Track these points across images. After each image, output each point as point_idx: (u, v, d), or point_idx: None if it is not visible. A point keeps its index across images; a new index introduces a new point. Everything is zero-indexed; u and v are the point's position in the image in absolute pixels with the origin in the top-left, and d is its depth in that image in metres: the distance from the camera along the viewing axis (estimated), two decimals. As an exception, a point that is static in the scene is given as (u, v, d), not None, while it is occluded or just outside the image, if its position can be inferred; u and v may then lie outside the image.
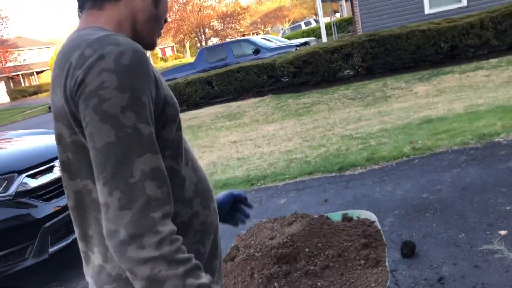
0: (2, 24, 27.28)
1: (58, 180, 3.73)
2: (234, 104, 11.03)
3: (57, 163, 3.79)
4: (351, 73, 10.65)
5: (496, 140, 4.41)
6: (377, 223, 1.88)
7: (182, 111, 12.03)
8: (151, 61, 0.84)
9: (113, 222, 0.83)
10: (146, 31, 1.05)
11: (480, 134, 4.56)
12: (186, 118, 10.74)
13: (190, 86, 12.02)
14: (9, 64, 31.18)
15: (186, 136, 8.75)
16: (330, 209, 3.71)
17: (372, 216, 1.95)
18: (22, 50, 38.99)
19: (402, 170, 4.24)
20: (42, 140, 4.42)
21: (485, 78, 7.97)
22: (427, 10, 11.92)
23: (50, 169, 3.80)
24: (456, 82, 8.17)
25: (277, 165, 5.33)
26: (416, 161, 4.40)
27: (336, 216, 2.01)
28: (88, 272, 1.02)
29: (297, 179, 4.71)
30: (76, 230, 1.02)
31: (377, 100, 8.14)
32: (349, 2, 23.65)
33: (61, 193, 3.69)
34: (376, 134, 5.76)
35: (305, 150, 5.74)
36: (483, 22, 9.51)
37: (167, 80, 14.01)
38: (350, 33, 22.46)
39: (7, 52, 29.43)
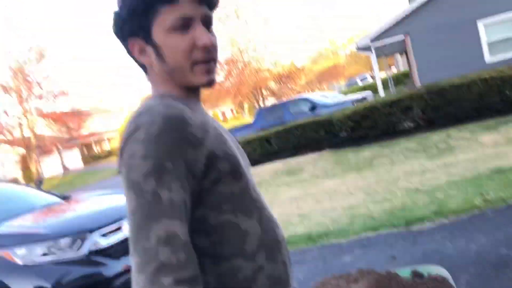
0: (78, 96, 29.69)
1: (127, 239, 3.86)
2: (292, 160, 11.08)
3: (125, 222, 3.94)
4: (412, 125, 10.45)
5: None
6: (451, 281, 1.77)
7: (242, 169, 12.21)
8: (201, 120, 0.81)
9: (135, 284, 0.87)
10: (180, 80, 1.07)
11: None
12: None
13: (249, 144, 12.27)
14: (83, 132, 33.52)
15: (247, 194, 8.83)
16: (398, 266, 3.55)
17: (444, 273, 1.84)
18: (95, 118, 41.90)
19: (474, 224, 4.01)
20: (112, 201, 4.64)
21: (558, 124, 7.54)
22: (488, 58, 11.65)
23: (119, 228, 3.96)
24: (526, 130, 7.78)
25: (339, 221, 5.21)
26: (490, 214, 4.16)
27: (405, 272, 1.92)
28: None
29: (362, 235, 4.57)
30: None
31: (441, 152, 7.88)
32: (404, 56, 23.64)
33: (130, 251, 3.80)
34: (443, 186, 5.53)
35: (369, 205, 5.60)
36: (550, 67, 9.14)
37: (227, 140, 14.39)
38: (407, 86, 22.25)
39: (82, 121, 31.77)
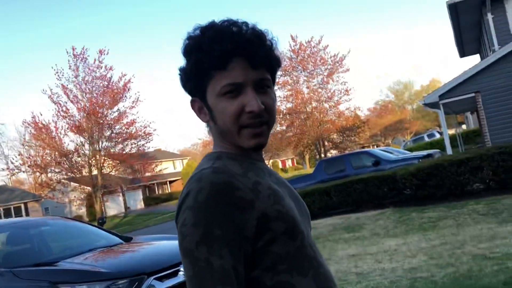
0: (145, 139, 30.92)
1: (182, 284, 3.91)
2: (352, 216, 10.79)
3: (181, 267, 4.01)
4: (481, 187, 9.91)
5: None
6: None
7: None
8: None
9: None
10: (232, 140, 1.09)
11: None
12: (304, 229, 10.73)
13: (308, 196, 12.13)
14: (147, 174, 34.77)
15: (303, 247, 8.66)
16: None
17: None
18: (159, 161, 43.52)
19: (550, 300, 3.67)
20: (170, 245, 4.75)
21: None
22: None
23: (175, 273, 4.02)
24: None
25: (399, 284, 4.96)
26: None
27: None
28: None
29: (423, 301, 4.31)
30: None
31: (514, 217, 7.37)
32: (475, 114, 22.78)
33: (184, 297, 3.83)
34: (515, 255, 5.14)
35: (431, 269, 5.29)
36: None
37: (286, 191, 14.34)
38: (478, 145, 21.29)
39: (147, 164, 33.01)
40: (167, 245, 4.82)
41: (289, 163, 71.70)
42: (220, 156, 1.09)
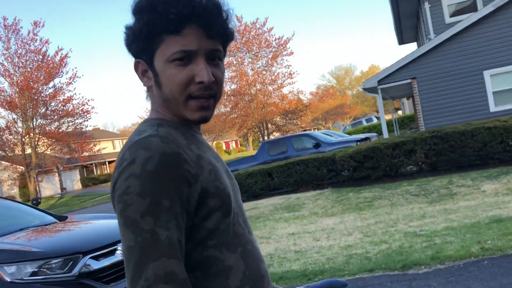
0: (83, 117, 29.66)
1: (120, 263, 3.82)
2: (293, 196, 11.02)
3: (119, 246, 3.92)
4: (414, 169, 10.44)
5: None
6: None
7: (242, 201, 12.15)
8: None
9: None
10: (175, 110, 1.05)
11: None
12: (246, 208, 10.83)
13: (251, 177, 12.25)
14: (84, 154, 33.50)
15: (244, 226, 8.76)
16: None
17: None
18: (98, 141, 42.10)
19: (470, 271, 3.96)
20: (107, 224, 4.62)
21: (560, 177, 7.52)
22: (492, 108, 11.74)
23: (113, 252, 3.93)
24: (528, 180, 7.76)
25: (336, 260, 5.15)
26: (486, 262, 4.10)
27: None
28: None
29: (357, 276, 4.50)
30: None
31: (442, 197, 7.84)
32: (411, 100, 23.86)
33: (121, 276, 3.76)
34: (441, 232, 5.48)
35: (366, 246, 5.53)
36: (554, 120, 9.19)
37: (228, 171, 14.39)
38: (412, 130, 22.36)
39: (84, 143, 31.78)
40: (104, 224, 4.69)
41: (232, 145, 71.93)
42: (162, 124, 1.04)
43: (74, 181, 43.76)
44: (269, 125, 37.15)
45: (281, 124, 36.63)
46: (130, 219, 0.90)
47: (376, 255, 5.05)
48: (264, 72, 35.41)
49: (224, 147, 68.60)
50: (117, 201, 0.94)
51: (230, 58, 35.20)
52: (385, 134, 13.67)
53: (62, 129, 29.35)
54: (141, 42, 1.02)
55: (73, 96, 28.99)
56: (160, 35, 0.99)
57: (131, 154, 0.94)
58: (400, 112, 40.68)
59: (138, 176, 0.91)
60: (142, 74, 1.07)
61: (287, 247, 6.31)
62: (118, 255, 3.93)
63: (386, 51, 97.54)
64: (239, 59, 35.19)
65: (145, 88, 1.11)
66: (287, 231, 7.44)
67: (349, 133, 25.39)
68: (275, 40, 34.50)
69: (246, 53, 35.03)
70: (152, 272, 0.87)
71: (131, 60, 1.10)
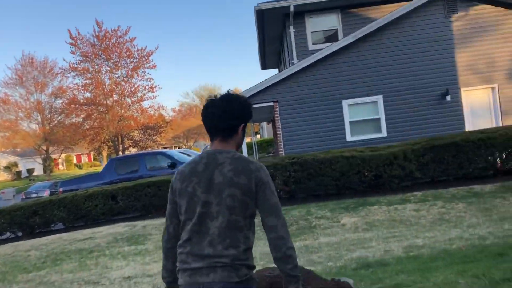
0: None
1: None
2: (139, 224, 9.54)
3: None
4: (273, 196, 9.79)
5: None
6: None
7: (78, 228, 10.27)
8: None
9: (285, 229, 1.93)
10: (239, 148, 2.11)
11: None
12: (80, 238, 9.02)
13: (91, 199, 10.45)
14: None
15: (70, 264, 7.04)
16: None
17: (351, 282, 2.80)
18: None
19: None
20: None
21: (415, 213, 7.41)
22: (349, 137, 11.83)
23: None
24: (385, 215, 7.53)
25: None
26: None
27: None
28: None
29: None
30: (222, 243, 1.89)
31: (302, 231, 7.19)
32: (270, 124, 24.03)
33: None
34: (304, 279, 4.64)
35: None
36: (406, 154, 9.35)
37: (67, 191, 12.31)
38: (270, 154, 22.41)
39: None
40: None
41: (85, 158, 66.65)
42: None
43: None
44: (126, 140, 34.72)
45: (139, 140, 34.48)
46: (274, 192, 1.97)
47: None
48: (123, 83, 33.13)
49: (75, 161, 63.06)
50: (266, 184, 1.95)
51: (86, 64, 32.28)
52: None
53: None
54: (245, 122, 2.08)
55: None
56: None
57: (258, 165, 2.01)
58: (258, 136, 41.51)
59: (267, 175, 2.00)
60: (241, 131, 2.08)
61: (117, 298, 4.90)
62: None
63: (250, 75, 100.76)
64: (96, 66, 32.38)
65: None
66: (123, 273, 6.01)
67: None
68: (137, 51, 32.62)
69: (104, 61, 32.39)
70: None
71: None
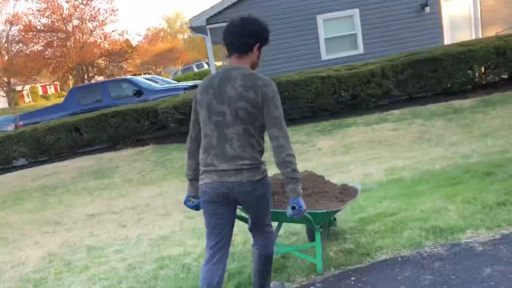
0: None
1: None
2: (106, 156, 9.06)
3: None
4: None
5: (463, 241, 2.89)
6: (359, 192, 3.08)
7: (41, 163, 9.71)
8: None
9: (286, 139, 2.16)
10: (255, 67, 2.30)
11: (434, 228, 3.08)
12: (43, 173, 8.51)
13: (52, 133, 9.80)
14: None
15: (31, 203, 6.59)
16: None
17: (359, 187, 3.13)
18: None
19: None
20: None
21: (393, 132, 7.11)
22: (324, 56, 11.24)
23: None
24: (363, 136, 7.21)
25: (140, 273, 3.47)
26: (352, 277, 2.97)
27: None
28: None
29: None
30: (240, 146, 2.18)
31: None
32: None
33: None
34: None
35: (186, 241, 4.01)
36: (384, 71, 8.88)
37: (27, 125, 11.55)
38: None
39: None
40: None
41: (51, 89, 64.16)
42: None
43: None
44: (91, 68, 33.09)
45: (104, 67, 32.89)
46: (278, 105, 2.16)
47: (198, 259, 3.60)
48: (83, 7, 30.89)
49: (41, 92, 60.60)
50: (272, 98, 2.15)
51: (40, -14, 29.69)
52: (215, 82, 12.32)
53: None
54: (264, 42, 2.30)
55: None
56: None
57: (266, 80, 2.19)
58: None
59: (275, 91, 2.18)
60: (257, 50, 2.29)
61: (79, 240, 4.50)
62: None
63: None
64: (51, -12, 29.87)
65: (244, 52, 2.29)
66: (87, 210, 5.60)
67: (179, 80, 23.68)
68: (95, -32, 30.07)
69: (60, -18, 29.89)
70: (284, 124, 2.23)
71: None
